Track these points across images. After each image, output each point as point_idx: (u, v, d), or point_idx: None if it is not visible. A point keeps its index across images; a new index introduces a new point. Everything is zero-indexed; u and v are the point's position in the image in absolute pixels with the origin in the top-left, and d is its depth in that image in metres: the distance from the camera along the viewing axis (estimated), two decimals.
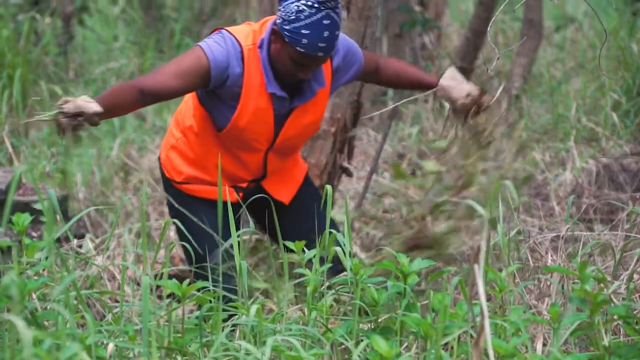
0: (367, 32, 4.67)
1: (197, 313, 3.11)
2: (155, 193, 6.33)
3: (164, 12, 10.00)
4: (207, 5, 10.16)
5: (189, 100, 4.08)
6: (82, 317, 3.05)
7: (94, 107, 3.59)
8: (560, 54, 10.61)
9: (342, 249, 3.39)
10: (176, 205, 4.05)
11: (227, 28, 3.94)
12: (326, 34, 3.72)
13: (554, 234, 4.78)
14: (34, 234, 5.27)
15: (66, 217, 5.45)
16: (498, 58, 4.31)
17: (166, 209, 6.07)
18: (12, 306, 2.70)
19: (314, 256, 3.30)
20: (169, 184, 4.18)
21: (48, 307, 3.07)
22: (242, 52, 3.85)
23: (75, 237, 5.35)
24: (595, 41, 9.98)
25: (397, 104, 5.05)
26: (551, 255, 4.45)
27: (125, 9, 10.39)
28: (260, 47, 3.87)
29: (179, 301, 3.13)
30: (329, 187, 3.47)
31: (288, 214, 4.19)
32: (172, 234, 5.50)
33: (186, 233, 3.79)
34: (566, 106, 8.04)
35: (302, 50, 3.73)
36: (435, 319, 3.00)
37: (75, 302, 3.08)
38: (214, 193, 4.08)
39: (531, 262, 4.25)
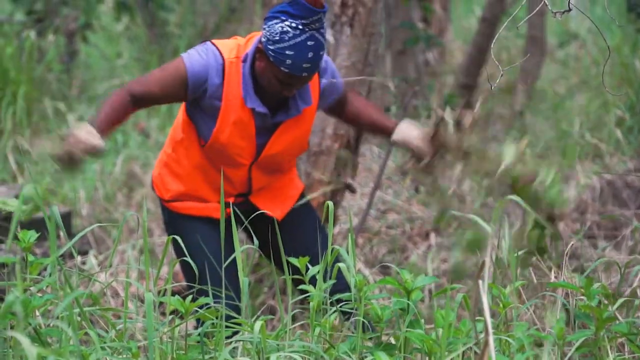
0: (370, 49, 4.68)
1: (199, 330, 3.11)
2: (158, 209, 6.33)
3: (168, 28, 10.02)
4: (210, 21, 10.18)
5: (180, 113, 4.09)
6: (86, 333, 3.04)
7: (95, 141, 3.65)
8: (564, 70, 10.62)
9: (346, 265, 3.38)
10: (167, 222, 4.10)
11: (214, 40, 3.96)
12: (310, 55, 3.73)
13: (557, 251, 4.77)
14: (37, 250, 5.27)
15: (70, 234, 5.45)
16: (502, 75, 4.31)
17: None
18: (16, 323, 2.70)
19: (317, 272, 3.30)
20: (160, 203, 4.19)
21: (52, 324, 3.07)
22: (223, 64, 3.87)
23: (78, 253, 5.35)
24: (598, 58, 9.99)
25: (400, 119, 5.06)
26: (555, 272, 4.44)
27: (128, 26, 10.40)
28: (244, 61, 3.89)
29: (182, 318, 3.13)
30: (330, 203, 3.47)
31: (282, 231, 4.16)
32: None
33: (184, 251, 3.80)
34: (570, 122, 8.04)
35: (286, 70, 3.75)
36: (439, 335, 2.99)
37: (78, 318, 3.07)
38: (200, 210, 4.08)
39: (534, 279, 4.24)
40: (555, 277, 3.92)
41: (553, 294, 3.65)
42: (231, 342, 3.13)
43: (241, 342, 3.16)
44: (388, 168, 6.93)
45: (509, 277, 3.91)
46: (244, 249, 3.35)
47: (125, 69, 9.93)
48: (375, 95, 8.58)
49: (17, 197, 5.49)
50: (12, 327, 2.97)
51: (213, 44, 3.92)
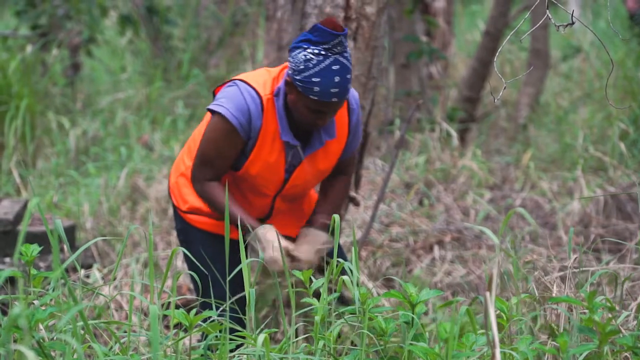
0: (374, 62, 4.68)
1: (203, 343, 3.11)
2: (163, 222, 6.33)
3: (172, 42, 10.04)
4: (214, 35, 10.19)
5: (203, 129, 4.07)
6: (90, 347, 3.04)
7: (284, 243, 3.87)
8: (567, 83, 10.63)
9: (350, 278, 3.38)
10: (180, 230, 4.12)
11: (243, 77, 3.93)
12: (337, 79, 3.73)
13: (562, 265, 4.77)
14: (42, 264, 5.27)
15: (74, 247, 5.45)
16: (505, 88, 4.31)
17: (173, 239, 6.07)
18: (19, 337, 2.70)
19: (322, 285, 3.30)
20: (175, 211, 4.20)
21: (55, 338, 3.07)
22: (261, 103, 3.87)
23: (82, 267, 5.35)
24: (602, 71, 10.00)
25: (403, 132, 5.05)
26: (558, 285, 4.44)
27: (132, 40, 10.42)
28: (277, 95, 3.89)
29: (185, 331, 3.13)
30: (336, 216, 3.47)
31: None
32: (179, 263, 5.50)
33: (192, 259, 3.83)
34: (573, 135, 8.04)
35: (315, 97, 3.75)
36: (443, 348, 2.99)
37: (82, 332, 3.07)
38: (214, 226, 4.09)
39: (537, 293, 4.23)
40: (558, 292, 3.92)
41: (556, 307, 3.64)
42: (235, 355, 3.13)
43: (245, 355, 3.16)
44: (392, 181, 6.93)
45: (512, 291, 3.90)
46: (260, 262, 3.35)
47: (129, 83, 9.95)
48: (379, 108, 8.60)
49: (21, 209, 5.49)
50: (15, 341, 2.97)
51: (246, 82, 3.90)
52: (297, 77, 3.76)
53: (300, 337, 3.42)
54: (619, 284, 4.37)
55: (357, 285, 3.23)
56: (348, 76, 3.76)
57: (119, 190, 6.65)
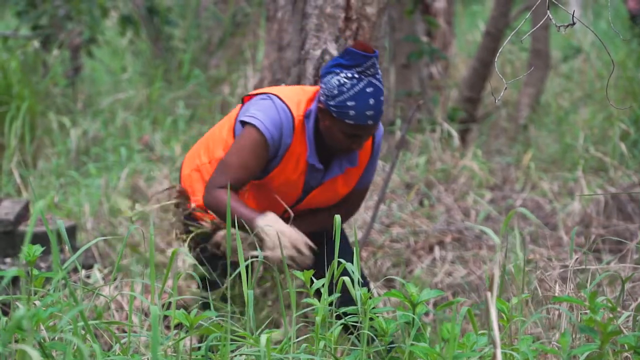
0: None
1: (204, 343, 3.10)
2: (163, 223, 6.33)
3: (172, 43, 10.03)
4: (215, 36, 10.19)
5: (225, 131, 4.06)
6: (90, 347, 3.04)
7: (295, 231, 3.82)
8: (568, 84, 10.63)
9: (351, 279, 3.38)
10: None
11: (278, 93, 3.92)
12: (371, 101, 3.74)
13: (562, 264, 4.77)
14: (42, 264, 5.27)
15: (74, 248, 5.45)
16: (505, 88, 4.31)
17: (174, 239, 6.06)
18: (21, 337, 2.70)
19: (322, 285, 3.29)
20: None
21: (56, 338, 3.07)
22: (293, 122, 3.86)
23: (83, 267, 5.35)
24: (602, 71, 10.00)
25: (404, 133, 5.05)
26: (560, 286, 4.43)
27: (133, 41, 10.42)
28: (308, 117, 3.88)
29: (186, 331, 3.12)
30: (337, 217, 3.47)
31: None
32: (179, 263, 5.50)
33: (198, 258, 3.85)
34: (574, 136, 8.04)
35: (351, 122, 3.75)
36: (444, 348, 2.99)
37: (82, 332, 3.07)
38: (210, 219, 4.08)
39: (540, 292, 4.23)
40: (561, 291, 3.92)
41: (558, 307, 3.64)
42: (236, 355, 3.12)
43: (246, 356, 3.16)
44: (392, 181, 6.93)
45: (513, 290, 3.91)
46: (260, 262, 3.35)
47: (129, 83, 9.94)
48: None
49: (22, 210, 5.49)
50: (16, 341, 2.97)
51: (280, 99, 3.89)
52: (331, 103, 3.76)
53: (301, 337, 3.42)
54: (620, 284, 4.37)
55: (359, 285, 3.22)
56: (382, 98, 3.77)
57: (120, 191, 6.64)
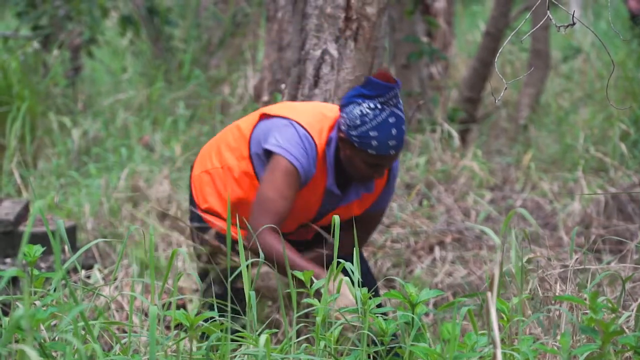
0: (375, 63, 4.68)
1: (204, 343, 3.10)
2: (163, 223, 6.33)
3: (172, 43, 10.03)
4: (215, 36, 10.19)
5: (239, 141, 4.02)
6: (91, 347, 3.04)
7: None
8: (568, 84, 10.63)
9: (351, 279, 3.38)
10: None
11: (300, 120, 3.89)
12: (394, 131, 3.74)
13: (562, 264, 4.76)
14: (43, 264, 5.27)
15: (75, 248, 5.45)
16: (506, 88, 4.31)
17: (174, 239, 6.07)
18: (21, 337, 2.70)
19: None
20: (192, 203, 4.17)
21: (56, 338, 3.07)
22: (317, 152, 3.86)
23: (83, 267, 5.36)
24: (602, 72, 10.00)
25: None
26: (560, 286, 4.43)
27: (133, 41, 10.42)
28: (328, 145, 3.88)
29: (187, 331, 3.12)
30: (336, 217, 3.47)
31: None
32: (179, 263, 5.50)
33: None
34: (574, 136, 8.04)
35: (373, 152, 3.76)
36: (444, 348, 2.99)
37: (83, 332, 3.07)
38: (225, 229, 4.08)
39: (540, 292, 4.23)
40: (561, 291, 3.92)
41: (559, 307, 3.64)
42: (236, 355, 3.12)
43: (246, 356, 3.16)
44: None
45: (514, 290, 3.90)
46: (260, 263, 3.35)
47: (130, 84, 9.94)
48: None
49: (22, 210, 5.49)
50: (17, 341, 2.97)
51: (302, 127, 3.87)
52: (354, 133, 3.76)
53: (301, 337, 3.42)
54: (620, 284, 4.37)
55: (359, 285, 3.22)
56: (403, 127, 3.78)
57: (120, 191, 6.65)
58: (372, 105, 3.73)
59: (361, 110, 3.74)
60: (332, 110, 3.96)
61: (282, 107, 4.01)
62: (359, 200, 4.02)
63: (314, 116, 3.92)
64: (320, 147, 3.86)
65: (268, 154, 3.88)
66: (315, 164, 3.87)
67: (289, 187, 3.81)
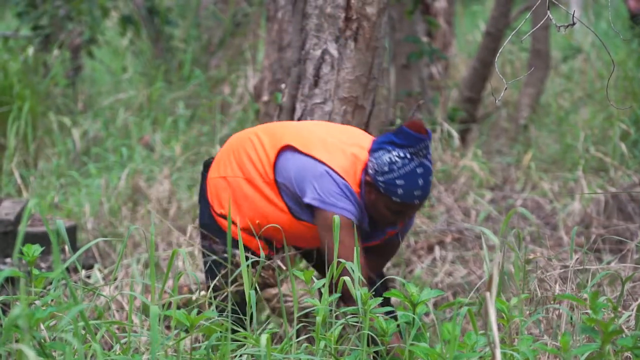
0: (375, 63, 4.68)
1: (205, 343, 3.11)
2: (164, 223, 6.33)
3: (172, 43, 10.03)
4: (215, 36, 10.19)
5: (264, 160, 4.00)
6: (90, 346, 3.04)
7: None
8: (568, 84, 10.63)
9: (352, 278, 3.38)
10: (205, 224, 4.14)
11: (334, 166, 3.88)
12: (421, 182, 3.77)
13: (562, 264, 4.76)
14: (43, 264, 5.28)
15: (74, 248, 5.45)
16: (506, 88, 4.31)
17: (174, 239, 6.07)
18: (21, 337, 2.70)
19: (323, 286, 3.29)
20: (206, 203, 4.14)
21: (56, 338, 3.07)
22: (356, 198, 3.88)
23: (83, 267, 5.36)
24: (603, 71, 10.00)
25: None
26: (560, 286, 4.43)
27: (133, 41, 10.42)
28: (360, 187, 3.90)
29: (187, 331, 3.13)
30: (336, 218, 3.48)
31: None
32: (179, 263, 5.50)
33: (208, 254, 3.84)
34: (574, 136, 8.04)
35: (398, 200, 3.78)
36: (445, 348, 2.99)
37: (83, 332, 3.07)
38: (243, 238, 4.05)
39: (539, 292, 4.23)
40: (561, 290, 3.92)
41: (558, 307, 3.64)
42: (236, 355, 3.13)
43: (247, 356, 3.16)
44: None
45: (514, 290, 3.91)
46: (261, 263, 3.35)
47: (130, 84, 9.94)
48: (379, 108, 8.58)
49: (22, 210, 5.50)
50: (17, 341, 2.97)
51: (340, 176, 3.87)
52: (380, 179, 3.78)
53: (301, 337, 3.42)
54: (620, 284, 4.36)
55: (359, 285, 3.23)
56: (431, 178, 3.82)
57: (120, 191, 6.65)
58: (401, 154, 3.76)
59: (390, 158, 3.77)
60: (362, 148, 3.95)
61: (310, 140, 3.97)
62: (384, 237, 4.06)
63: (347, 158, 3.92)
64: (357, 191, 3.88)
65: (316, 209, 3.90)
66: (359, 208, 3.90)
67: (353, 238, 3.83)
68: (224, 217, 4.06)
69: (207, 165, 4.24)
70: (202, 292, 4.23)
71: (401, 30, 8.39)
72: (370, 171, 3.83)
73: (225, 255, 4.03)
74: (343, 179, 3.86)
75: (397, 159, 3.76)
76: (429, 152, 3.80)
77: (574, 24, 3.30)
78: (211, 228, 4.11)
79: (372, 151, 3.83)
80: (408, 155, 3.76)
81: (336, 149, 3.93)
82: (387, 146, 3.79)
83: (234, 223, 4.02)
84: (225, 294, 3.94)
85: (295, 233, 4.01)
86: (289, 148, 3.96)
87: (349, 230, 3.82)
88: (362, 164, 3.90)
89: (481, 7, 16.81)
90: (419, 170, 3.77)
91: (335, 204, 3.83)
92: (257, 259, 3.70)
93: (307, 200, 3.85)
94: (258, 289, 3.66)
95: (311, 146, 3.92)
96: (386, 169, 3.77)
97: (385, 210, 3.85)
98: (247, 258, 3.87)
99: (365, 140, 3.98)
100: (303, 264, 4.87)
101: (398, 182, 3.76)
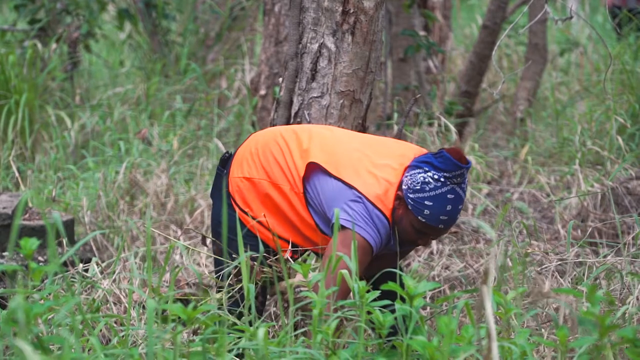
0: (372, 57, 4.68)
1: (201, 336, 3.11)
2: (161, 217, 6.33)
3: (170, 37, 10.02)
4: (212, 30, 10.18)
5: (292, 169, 4.01)
6: (88, 340, 3.04)
7: None
8: (565, 77, 10.63)
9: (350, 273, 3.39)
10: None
11: (369, 195, 3.88)
12: (449, 207, 3.78)
13: (559, 258, 4.77)
14: (40, 258, 5.28)
15: (72, 241, 5.45)
16: (503, 82, 4.32)
17: (171, 232, 6.07)
18: (18, 331, 2.70)
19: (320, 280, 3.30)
20: (228, 196, 4.13)
21: (54, 331, 3.07)
22: (389, 227, 3.89)
23: (81, 261, 5.36)
24: (599, 65, 10.00)
25: (401, 127, 5.06)
26: (557, 279, 4.44)
27: (131, 35, 10.40)
28: (393, 210, 3.91)
29: (184, 324, 3.13)
30: (337, 211, 3.48)
31: None
32: (177, 257, 5.50)
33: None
34: (571, 130, 8.04)
35: (423, 220, 3.80)
36: (442, 342, 2.99)
37: (81, 326, 3.08)
38: (264, 235, 4.07)
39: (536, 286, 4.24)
40: (558, 285, 3.93)
41: (556, 299, 3.65)
42: (233, 348, 3.13)
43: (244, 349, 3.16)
44: None
45: (511, 284, 3.91)
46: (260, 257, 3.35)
47: (127, 77, 9.94)
48: (377, 102, 8.59)
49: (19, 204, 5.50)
50: (14, 335, 2.97)
51: (373, 204, 3.87)
52: (411, 195, 3.80)
53: (298, 331, 3.43)
54: (616, 277, 4.37)
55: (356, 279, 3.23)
56: (460, 207, 3.83)
57: (118, 185, 6.65)
58: (435, 177, 3.79)
59: (424, 178, 3.79)
60: (396, 170, 3.95)
61: (339, 162, 3.97)
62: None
63: (380, 186, 3.92)
64: (389, 214, 3.89)
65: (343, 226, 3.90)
66: (387, 237, 3.92)
67: (362, 264, 3.88)
68: (252, 217, 4.06)
69: (223, 160, 4.22)
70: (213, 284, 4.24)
71: (398, 24, 8.39)
72: (403, 186, 3.86)
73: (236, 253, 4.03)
74: (377, 208, 3.87)
75: (430, 180, 3.79)
76: (465, 181, 3.82)
77: (571, 17, 3.30)
78: (229, 223, 4.08)
79: (410, 167, 3.86)
80: (442, 179, 3.78)
81: (366, 172, 3.94)
82: (425, 166, 3.82)
83: (260, 223, 4.03)
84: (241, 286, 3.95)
85: (314, 242, 4.05)
86: (317, 167, 3.98)
87: (365, 256, 3.86)
88: (395, 189, 3.90)
89: (478, 1, 16.80)
90: (449, 196, 3.79)
91: (364, 227, 3.85)
92: (265, 255, 3.72)
93: (340, 221, 3.87)
94: (275, 282, 3.66)
95: (341, 169, 3.94)
96: (418, 187, 3.80)
97: (410, 227, 3.87)
98: (267, 252, 3.94)
99: (396, 156, 3.99)
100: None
101: (427, 202, 3.79)
